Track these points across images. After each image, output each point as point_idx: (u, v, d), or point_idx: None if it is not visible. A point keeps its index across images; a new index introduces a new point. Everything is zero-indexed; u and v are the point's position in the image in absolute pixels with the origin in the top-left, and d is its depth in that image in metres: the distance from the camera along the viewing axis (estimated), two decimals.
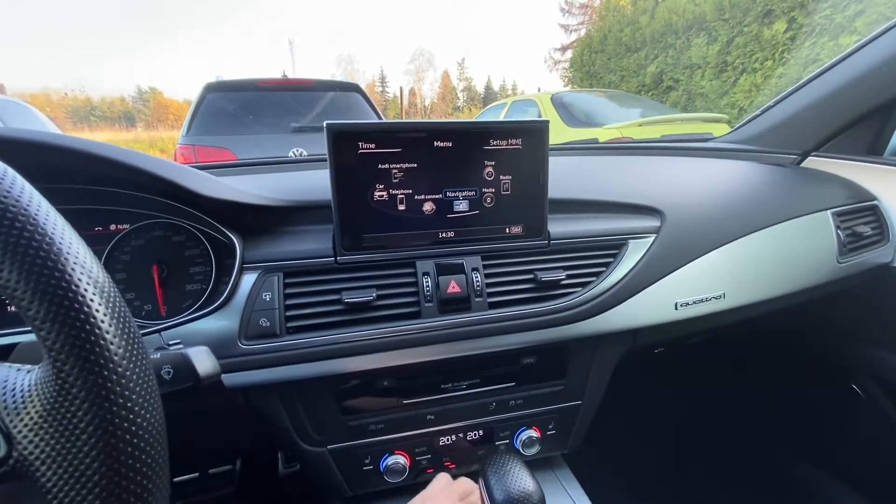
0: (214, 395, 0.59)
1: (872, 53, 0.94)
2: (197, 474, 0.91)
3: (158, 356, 0.39)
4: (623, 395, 0.94)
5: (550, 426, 0.74)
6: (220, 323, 0.56)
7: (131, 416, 0.24)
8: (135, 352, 0.26)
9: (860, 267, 0.88)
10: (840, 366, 1.09)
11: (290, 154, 3.03)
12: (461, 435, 0.71)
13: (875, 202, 0.95)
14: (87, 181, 0.57)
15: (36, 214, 0.24)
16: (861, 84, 0.96)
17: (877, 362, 0.99)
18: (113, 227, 0.59)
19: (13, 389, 0.24)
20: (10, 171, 0.25)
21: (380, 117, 3.72)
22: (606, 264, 0.70)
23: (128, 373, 0.24)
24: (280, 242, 0.62)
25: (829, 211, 0.87)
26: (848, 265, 0.86)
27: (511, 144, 0.63)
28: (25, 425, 0.24)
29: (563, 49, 23.55)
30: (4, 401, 0.24)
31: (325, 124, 0.57)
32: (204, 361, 0.40)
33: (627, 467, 1.27)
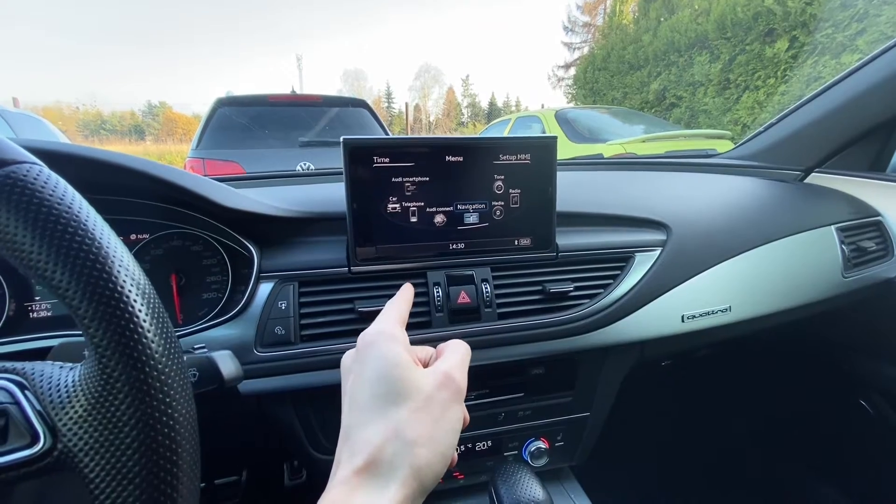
0: (226, 402, 0.60)
1: (874, 71, 0.96)
2: (203, 484, 0.92)
3: (185, 359, 0.41)
4: (631, 408, 0.94)
5: (559, 437, 0.75)
6: (237, 331, 0.57)
7: (169, 411, 0.26)
8: (172, 350, 0.27)
9: (865, 282, 0.89)
10: (848, 381, 1.09)
11: (298, 168, 3.09)
12: (470, 445, 0.71)
13: (879, 218, 0.96)
14: (109, 191, 0.59)
15: (86, 221, 0.26)
16: (863, 101, 0.98)
17: (885, 378, 0.99)
18: (133, 236, 0.61)
19: (58, 385, 0.26)
20: (62, 181, 0.27)
21: (386, 132, 3.78)
22: (614, 276, 0.71)
23: (167, 369, 0.26)
24: (295, 252, 0.64)
25: (833, 226, 0.88)
26: (853, 280, 0.87)
27: (520, 159, 0.65)
28: (70, 419, 0.25)
29: (567, 66, 23.89)
30: (50, 396, 0.25)
31: (341, 139, 0.59)
32: (228, 365, 0.42)
33: (636, 480, 1.26)
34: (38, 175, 0.25)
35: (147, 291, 0.27)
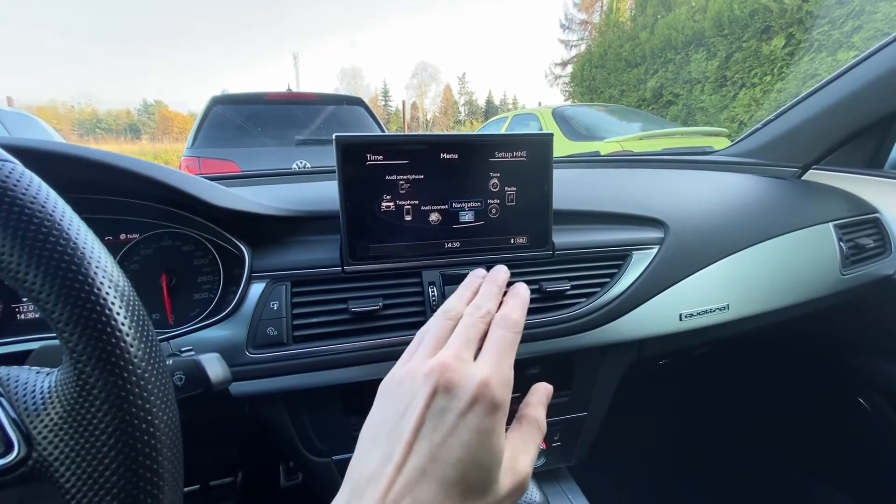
0: (220, 404, 0.59)
1: (871, 68, 0.95)
2: (198, 486, 0.91)
3: (171, 362, 0.40)
4: (629, 407, 0.94)
5: (556, 438, 0.74)
6: (228, 332, 0.56)
7: (149, 417, 0.25)
8: (153, 354, 0.26)
9: (863, 279, 0.88)
10: (845, 378, 1.09)
11: (294, 166, 3.07)
12: None
13: (877, 214, 0.96)
14: (98, 191, 0.58)
15: (60, 220, 0.25)
16: (860, 98, 0.97)
17: (882, 375, 0.98)
18: (123, 236, 0.60)
19: (33, 392, 0.25)
20: (36, 179, 0.26)
21: (383, 131, 3.77)
22: (611, 275, 0.70)
23: (146, 375, 0.25)
24: (288, 252, 0.63)
25: (830, 223, 0.88)
26: (851, 277, 0.87)
27: (516, 157, 0.64)
28: (46, 426, 0.24)
29: (564, 64, 23.89)
30: (25, 403, 0.24)
31: (334, 137, 0.57)
32: (215, 368, 0.41)
33: (633, 480, 1.25)
34: (10, 173, 0.24)
35: (127, 293, 0.26)
